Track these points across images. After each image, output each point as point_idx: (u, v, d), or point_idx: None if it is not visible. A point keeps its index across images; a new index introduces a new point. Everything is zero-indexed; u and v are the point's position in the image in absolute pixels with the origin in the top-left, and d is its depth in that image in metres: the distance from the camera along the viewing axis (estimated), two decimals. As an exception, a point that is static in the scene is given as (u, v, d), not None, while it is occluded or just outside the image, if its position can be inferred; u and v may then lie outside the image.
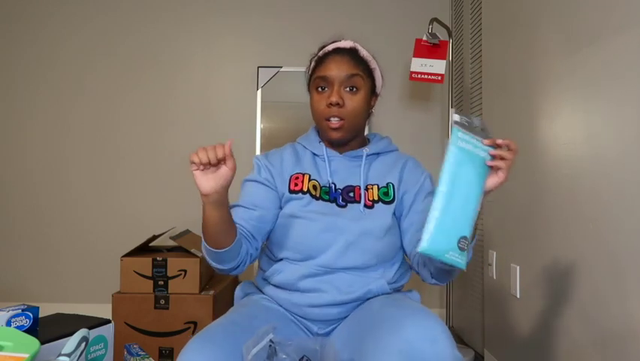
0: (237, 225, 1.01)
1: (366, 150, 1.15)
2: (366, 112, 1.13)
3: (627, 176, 1.05)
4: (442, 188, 0.83)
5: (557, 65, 1.38)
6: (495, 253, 1.83)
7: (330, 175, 1.11)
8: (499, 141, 0.86)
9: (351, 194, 1.09)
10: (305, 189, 1.08)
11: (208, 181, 0.88)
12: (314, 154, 1.16)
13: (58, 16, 2.63)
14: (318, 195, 1.08)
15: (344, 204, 1.08)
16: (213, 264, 1.01)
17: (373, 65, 1.14)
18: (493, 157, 0.86)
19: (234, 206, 1.08)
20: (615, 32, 1.10)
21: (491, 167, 0.86)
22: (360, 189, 1.09)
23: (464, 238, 0.82)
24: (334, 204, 1.08)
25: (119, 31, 2.63)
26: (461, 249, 0.82)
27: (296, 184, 1.10)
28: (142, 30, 2.63)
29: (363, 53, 1.13)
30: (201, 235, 0.98)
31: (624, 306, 1.06)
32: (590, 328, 1.19)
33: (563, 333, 1.32)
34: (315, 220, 1.04)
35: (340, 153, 1.14)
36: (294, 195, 1.09)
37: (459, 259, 0.82)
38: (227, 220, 0.94)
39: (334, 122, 1.07)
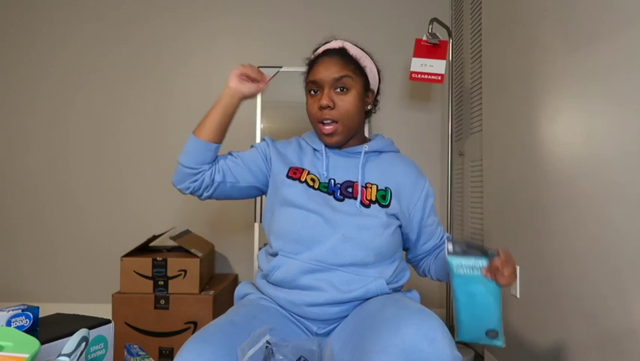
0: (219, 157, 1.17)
1: (365, 147, 1.16)
2: (361, 111, 1.14)
3: (627, 176, 1.05)
4: (458, 303, 1.00)
5: (557, 65, 1.38)
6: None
7: (326, 169, 1.13)
8: (496, 263, 0.96)
9: (350, 189, 1.10)
10: (303, 179, 1.11)
11: (237, 81, 1.15)
12: (314, 149, 1.18)
13: (58, 17, 2.63)
14: (316, 187, 1.10)
15: (342, 198, 1.09)
16: (182, 158, 1.12)
17: (364, 62, 1.14)
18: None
19: (229, 153, 1.22)
20: (615, 32, 1.10)
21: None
22: (358, 185, 1.11)
23: (492, 330, 0.99)
24: (332, 197, 1.09)
25: (120, 32, 2.63)
26: (491, 337, 1.00)
27: (294, 172, 1.13)
28: (142, 30, 2.63)
29: (353, 51, 1.13)
30: (194, 137, 1.12)
31: (624, 306, 1.06)
32: (590, 328, 1.19)
33: (562, 333, 1.32)
34: (312, 211, 1.05)
35: (340, 149, 1.16)
36: (290, 180, 1.11)
37: (492, 342, 1.00)
38: (225, 122, 1.15)
39: (327, 127, 1.10)
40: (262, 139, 1.25)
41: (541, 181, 1.46)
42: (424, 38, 2.17)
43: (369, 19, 2.61)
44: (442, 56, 2.18)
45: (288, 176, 1.12)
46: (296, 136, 1.26)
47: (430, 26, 2.14)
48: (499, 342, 1.01)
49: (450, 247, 1.02)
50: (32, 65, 2.62)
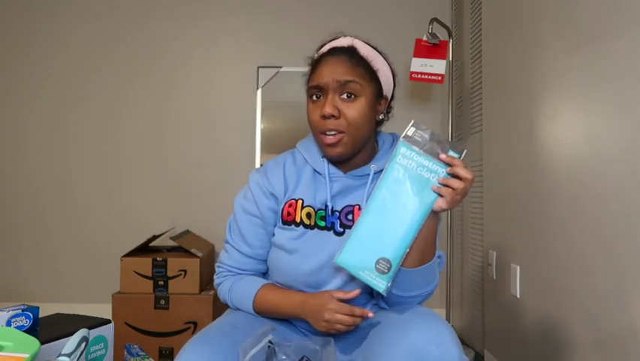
0: (247, 272, 1.04)
1: (373, 168, 0.99)
2: (371, 120, 0.97)
3: (627, 176, 1.05)
4: (370, 205, 0.82)
5: (557, 65, 1.38)
6: (495, 253, 1.83)
7: (330, 200, 0.98)
8: (456, 162, 0.82)
9: (350, 217, 0.97)
10: (298, 220, 0.97)
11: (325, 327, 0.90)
12: (315, 170, 1.02)
13: (58, 18, 2.62)
14: (312, 224, 0.97)
15: (342, 230, 0.96)
16: (235, 307, 1.03)
17: (377, 64, 0.98)
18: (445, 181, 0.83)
19: (230, 243, 1.05)
20: (615, 32, 1.10)
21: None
22: (359, 209, 0.97)
23: (384, 259, 0.80)
24: (331, 232, 0.96)
25: (120, 32, 2.63)
26: (380, 271, 0.80)
27: (289, 213, 0.99)
28: (142, 30, 2.63)
29: (364, 51, 0.97)
30: (251, 302, 0.99)
31: (624, 306, 1.06)
32: (590, 328, 1.19)
33: (562, 333, 1.32)
34: (310, 256, 0.95)
35: (344, 173, 1.00)
36: (286, 225, 0.99)
37: (376, 281, 0.80)
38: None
39: (330, 137, 0.93)
40: (254, 178, 1.04)
41: (541, 181, 1.46)
42: (424, 38, 2.16)
43: (369, 19, 2.61)
44: (442, 56, 2.17)
45: (283, 222, 0.99)
46: (290, 150, 1.09)
47: (430, 26, 2.14)
48: (383, 283, 0.79)
49: (411, 130, 0.83)
50: (32, 65, 2.62)
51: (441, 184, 0.83)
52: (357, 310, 0.85)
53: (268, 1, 2.63)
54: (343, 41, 0.99)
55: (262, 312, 0.99)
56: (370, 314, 0.85)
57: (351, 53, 0.96)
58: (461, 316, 2.31)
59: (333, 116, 0.92)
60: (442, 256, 0.98)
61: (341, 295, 0.88)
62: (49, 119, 2.61)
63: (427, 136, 0.83)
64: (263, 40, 2.62)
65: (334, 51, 0.97)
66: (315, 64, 0.98)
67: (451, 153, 0.82)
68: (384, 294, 0.83)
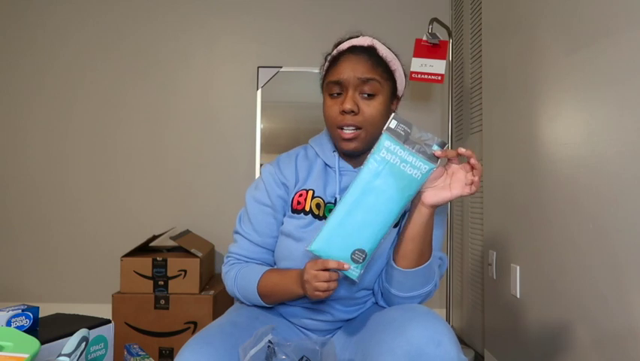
0: (255, 261, 1.03)
1: None
2: (385, 119, 0.97)
3: (627, 176, 1.05)
4: (348, 196, 0.82)
5: (557, 65, 1.38)
6: (495, 253, 1.83)
7: (339, 193, 1.00)
8: (462, 151, 0.85)
9: None
10: (307, 209, 1.00)
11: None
12: (326, 164, 1.04)
13: (58, 16, 2.62)
14: (321, 215, 0.99)
15: None
16: (244, 301, 1.03)
17: (394, 65, 1.01)
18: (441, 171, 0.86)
19: (240, 233, 1.05)
20: (615, 32, 1.10)
21: (432, 184, 0.86)
22: None
23: (360, 250, 0.81)
24: None
25: (120, 31, 2.63)
26: (355, 261, 0.82)
27: (299, 202, 1.01)
28: (142, 30, 2.63)
29: (383, 52, 1.00)
30: (255, 284, 0.99)
31: (624, 306, 1.06)
32: (590, 328, 1.19)
33: (562, 333, 1.32)
34: None
35: (354, 167, 1.03)
36: (295, 214, 1.01)
37: (351, 270, 0.82)
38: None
39: (348, 132, 0.95)
40: (266, 170, 1.06)
41: (541, 181, 1.46)
42: (424, 38, 2.16)
43: (369, 18, 2.61)
44: (442, 56, 2.17)
45: (293, 210, 1.01)
46: (302, 145, 1.11)
47: (430, 26, 2.14)
48: (357, 272, 0.81)
49: (393, 123, 0.83)
50: (32, 65, 2.62)
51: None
52: (332, 263, 0.83)
53: (268, 1, 2.63)
54: (363, 41, 1.01)
55: (266, 293, 0.98)
56: (346, 266, 0.82)
57: (371, 52, 0.98)
58: (461, 316, 2.31)
59: (352, 111, 0.94)
60: (443, 258, 1.00)
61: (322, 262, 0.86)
62: (49, 119, 2.61)
63: (409, 130, 0.84)
64: (263, 40, 2.62)
65: (354, 49, 0.98)
66: (335, 60, 0.99)
67: (435, 148, 0.84)
68: (357, 281, 0.84)
